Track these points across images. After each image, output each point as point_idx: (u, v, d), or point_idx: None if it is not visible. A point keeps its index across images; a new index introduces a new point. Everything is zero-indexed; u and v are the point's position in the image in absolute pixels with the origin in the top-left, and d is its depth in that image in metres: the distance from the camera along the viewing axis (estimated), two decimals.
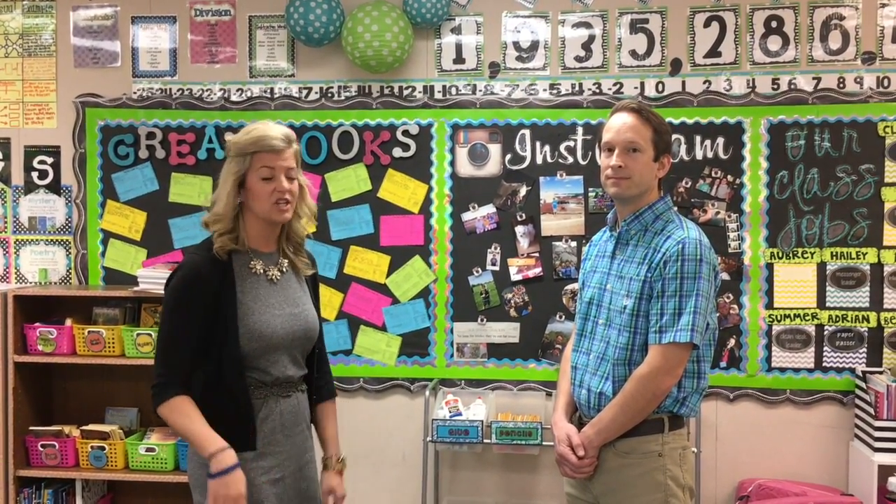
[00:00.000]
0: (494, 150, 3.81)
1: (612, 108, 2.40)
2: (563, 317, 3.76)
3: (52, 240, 4.03)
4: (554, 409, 2.49)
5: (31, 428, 3.70)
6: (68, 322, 3.68)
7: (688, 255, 2.20)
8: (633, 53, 3.76)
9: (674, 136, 3.66)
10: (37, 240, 4.04)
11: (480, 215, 3.82)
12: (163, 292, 2.21)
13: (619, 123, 2.30)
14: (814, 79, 3.67)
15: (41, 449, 3.65)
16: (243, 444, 2.13)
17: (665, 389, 2.21)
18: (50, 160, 4.02)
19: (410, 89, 3.86)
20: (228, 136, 2.23)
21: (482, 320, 3.83)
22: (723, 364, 3.70)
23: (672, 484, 2.24)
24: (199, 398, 2.12)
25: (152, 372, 2.14)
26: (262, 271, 2.22)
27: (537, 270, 3.78)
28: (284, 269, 2.28)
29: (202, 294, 2.11)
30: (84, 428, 3.69)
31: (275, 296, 2.22)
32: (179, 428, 2.11)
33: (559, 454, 2.34)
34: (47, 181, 4.02)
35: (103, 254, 3.98)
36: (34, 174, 4.02)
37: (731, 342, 3.69)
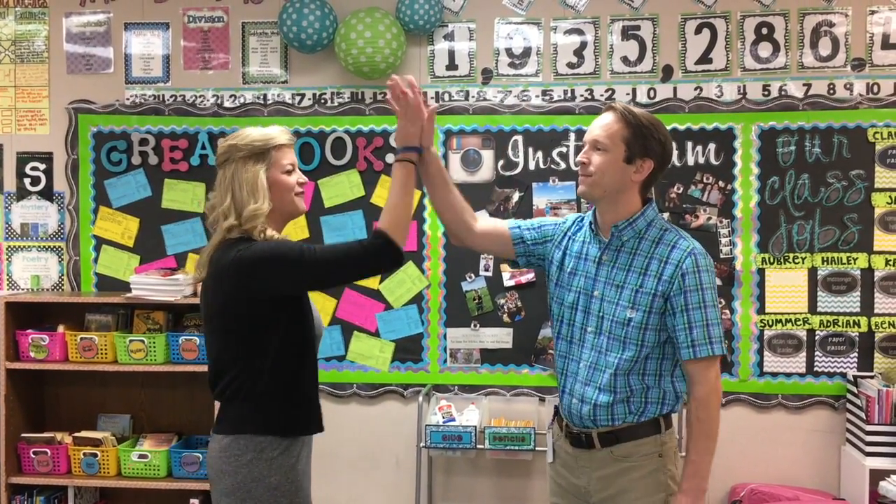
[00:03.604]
0: (487, 155, 3.82)
1: None
2: None
3: (44, 246, 4.02)
4: None
5: (23, 435, 3.68)
6: (60, 329, 3.67)
7: (703, 266, 2.20)
8: (625, 60, 3.78)
9: None
10: (29, 246, 4.03)
11: None
12: (202, 293, 2.24)
13: (596, 121, 2.28)
14: (804, 85, 3.69)
15: (33, 456, 3.63)
16: (319, 425, 2.22)
17: (721, 392, 2.26)
18: (42, 166, 4.01)
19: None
20: (223, 142, 2.23)
21: (475, 326, 3.84)
22: None
23: (671, 483, 2.23)
24: (290, 379, 2.16)
25: (342, 260, 2.11)
26: None
27: (530, 276, 3.79)
28: None
29: None
30: (76, 435, 3.68)
31: None
32: (399, 194, 2.25)
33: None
34: (40, 187, 4.01)
35: (96, 260, 3.98)
36: (26, 180, 4.02)
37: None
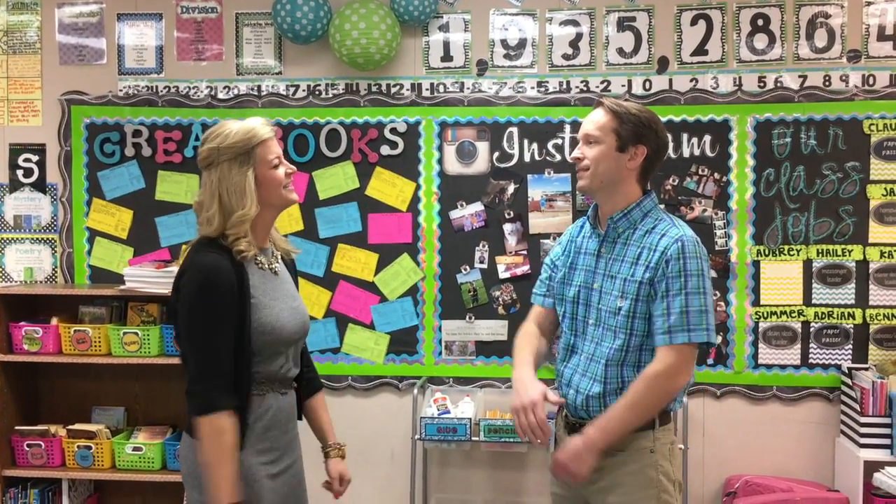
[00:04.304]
0: (482, 147, 3.81)
1: None
2: None
3: (37, 238, 4.00)
4: (516, 364, 2.37)
5: (16, 427, 3.67)
6: (54, 321, 3.66)
7: (689, 253, 2.17)
8: (621, 51, 3.77)
9: None
10: (22, 238, 4.01)
11: (468, 213, 3.82)
12: (171, 292, 2.18)
13: (586, 118, 2.33)
14: (800, 77, 3.68)
15: (27, 448, 3.62)
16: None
17: (678, 388, 2.19)
18: (35, 158, 3.99)
19: (398, 87, 3.85)
20: (203, 144, 2.18)
21: (470, 318, 3.83)
22: (710, 361, 3.71)
23: (664, 479, 2.23)
24: None
25: (192, 375, 2.06)
26: (267, 266, 2.23)
27: (525, 268, 3.79)
28: (279, 262, 2.31)
29: (230, 292, 2.09)
30: (70, 427, 3.67)
31: (279, 289, 2.23)
32: (213, 452, 2.04)
33: (538, 421, 2.19)
34: (32, 179, 3.99)
35: (89, 252, 3.96)
36: (19, 172, 4.00)
37: (718, 339, 3.71)
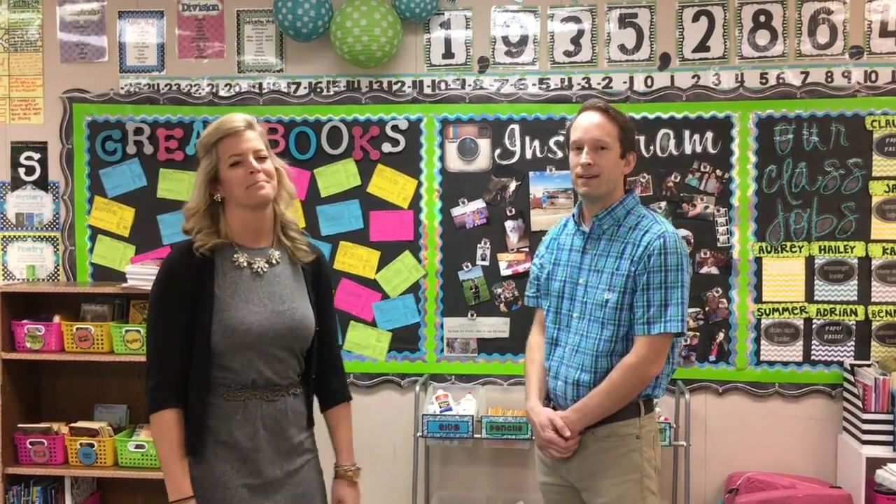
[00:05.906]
0: (484, 144, 3.81)
1: (579, 108, 2.49)
2: None
3: (39, 236, 4.01)
4: (527, 396, 2.52)
5: (19, 425, 3.68)
6: (56, 319, 3.66)
7: (670, 249, 2.30)
8: (622, 48, 3.76)
9: (662, 131, 3.69)
10: (24, 236, 4.01)
11: (470, 210, 3.82)
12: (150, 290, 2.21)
13: (586, 122, 2.39)
14: (802, 73, 3.68)
15: (30, 446, 3.63)
16: (193, 447, 2.08)
17: (651, 377, 2.33)
18: (37, 156, 3.99)
19: (399, 84, 3.85)
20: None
21: (472, 315, 3.83)
22: (712, 358, 3.71)
23: (647, 465, 2.35)
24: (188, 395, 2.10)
25: (146, 373, 2.08)
26: (245, 264, 2.12)
27: (527, 265, 3.78)
28: (275, 262, 2.16)
29: (180, 291, 2.06)
30: (73, 425, 3.67)
31: (257, 291, 2.11)
32: (159, 449, 2.09)
33: (546, 440, 2.37)
34: (34, 177, 4.00)
35: (91, 250, 3.96)
36: (21, 170, 4.00)
37: (720, 336, 3.70)
